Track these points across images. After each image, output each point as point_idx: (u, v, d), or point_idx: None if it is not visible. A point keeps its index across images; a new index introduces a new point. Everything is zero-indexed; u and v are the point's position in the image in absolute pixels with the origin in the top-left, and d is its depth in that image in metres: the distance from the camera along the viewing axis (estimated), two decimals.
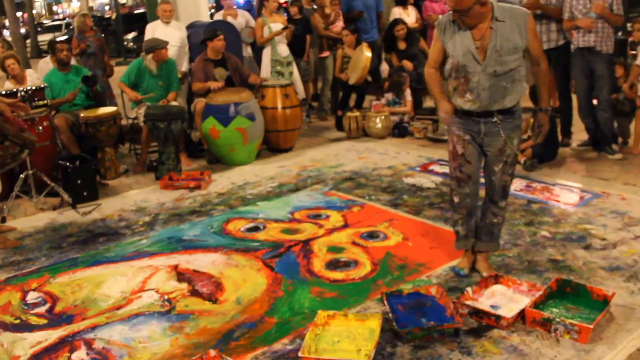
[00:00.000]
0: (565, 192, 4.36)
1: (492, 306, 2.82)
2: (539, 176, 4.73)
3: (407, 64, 6.62)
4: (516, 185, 4.54)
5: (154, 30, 6.34)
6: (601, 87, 4.96)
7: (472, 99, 2.89)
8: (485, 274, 3.10)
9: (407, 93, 6.50)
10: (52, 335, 2.86)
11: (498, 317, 2.68)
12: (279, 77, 6.59)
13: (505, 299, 2.89)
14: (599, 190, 4.34)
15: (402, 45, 6.76)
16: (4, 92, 4.86)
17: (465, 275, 3.18)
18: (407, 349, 2.57)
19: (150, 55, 5.63)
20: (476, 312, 2.75)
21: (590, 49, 4.90)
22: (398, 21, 6.83)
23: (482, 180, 3.13)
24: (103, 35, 7.42)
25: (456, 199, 3.12)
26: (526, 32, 2.82)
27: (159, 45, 5.66)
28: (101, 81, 6.70)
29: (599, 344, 2.54)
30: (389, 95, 6.50)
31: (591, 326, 2.54)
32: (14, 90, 4.98)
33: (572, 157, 5.21)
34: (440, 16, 3.10)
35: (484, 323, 2.71)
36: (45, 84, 5.26)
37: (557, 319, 2.60)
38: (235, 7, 7.18)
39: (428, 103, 7.34)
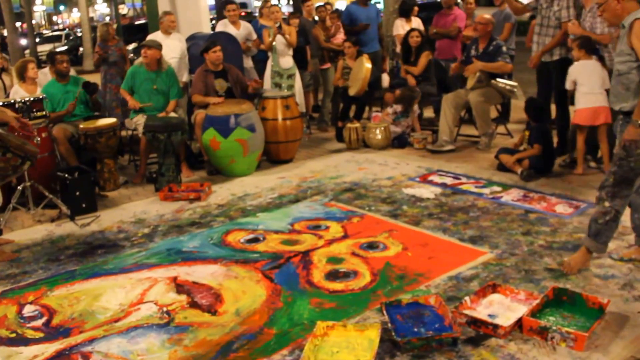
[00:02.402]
0: (561, 202, 4.38)
1: (489, 315, 2.84)
2: (536, 186, 4.75)
3: (411, 80, 6.63)
4: (513, 195, 4.56)
5: None
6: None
7: None
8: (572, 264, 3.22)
9: (415, 107, 6.51)
10: (48, 349, 2.86)
11: (495, 326, 2.69)
12: (276, 89, 6.63)
13: (503, 307, 2.91)
14: (595, 200, 4.34)
15: (413, 57, 6.77)
16: (1, 103, 4.87)
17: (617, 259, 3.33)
18: (405, 359, 2.58)
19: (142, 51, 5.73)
20: (474, 322, 2.76)
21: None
22: (414, 29, 6.88)
23: None
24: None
25: None
26: (626, 36, 2.96)
27: (151, 44, 5.74)
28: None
29: (594, 351, 2.56)
30: (398, 107, 6.47)
31: (586, 334, 2.56)
32: (12, 101, 4.99)
33: (568, 167, 5.22)
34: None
35: (482, 332, 2.72)
36: (44, 95, 5.28)
37: (554, 327, 2.61)
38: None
39: (427, 114, 7.38)
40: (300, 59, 6.97)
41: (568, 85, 4.93)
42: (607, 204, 3.10)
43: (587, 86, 4.78)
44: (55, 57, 5.70)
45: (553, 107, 5.64)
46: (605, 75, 4.76)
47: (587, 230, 3.25)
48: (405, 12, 7.53)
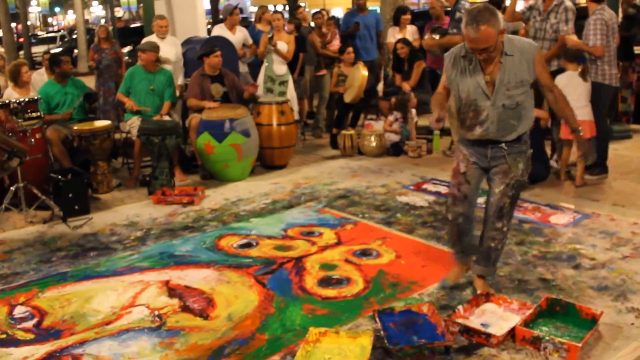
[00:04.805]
0: (555, 212, 4.40)
1: (482, 324, 2.83)
2: (530, 196, 4.76)
3: (405, 86, 6.65)
4: None
5: None
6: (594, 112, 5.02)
7: (481, 131, 2.92)
8: (479, 291, 3.12)
9: (413, 113, 6.52)
10: (39, 351, 2.83)
11: (488, 335, 2.69)
12: (268, 94, 6.64)
13: (496, 317, 2.91)
14: (589, 210, 4.39)
15: (406, 66, 6.78)
16: None
17: (448, 287, 3.21)
18: None
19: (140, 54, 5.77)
20: (467, 330, 2.76)
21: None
22: (401, 40, 6.89)
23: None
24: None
25: (450, 216, 3.17)
26: (534, 66, 2.84)
27: (145, 47, 5.75)
28: (114, 94, 6.74)
29: None
30: (398, 114, 6.49)
31: (579, 345, 2.56)
32: (7, 102, 4.98)
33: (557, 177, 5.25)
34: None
35: (475, 341, 2.72)
36: (39, 96, 5.26)
37: (547, 338, 2.62)
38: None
39: (422, 122, 7.40)
40: (292, 65, 6.98)
41: None
42: (505, 228, 3.08)
43: (572, 99, 4.82)
44: (60, 58, 5.68)
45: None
46: (588, 88, 4.83)
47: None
48: (395, 20, 7.54)
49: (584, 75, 4.90)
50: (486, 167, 3.04)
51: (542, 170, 5.09)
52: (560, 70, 5.29)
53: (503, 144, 2.95)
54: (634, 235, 3.90)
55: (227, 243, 4.08)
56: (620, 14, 7.09)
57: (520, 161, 3.00)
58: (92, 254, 4.00)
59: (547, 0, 5.25)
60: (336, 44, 7.54)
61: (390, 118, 6.52)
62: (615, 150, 5.74)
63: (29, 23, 28.24)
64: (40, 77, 6.30)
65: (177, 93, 6.22)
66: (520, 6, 6.63)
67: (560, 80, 4.91)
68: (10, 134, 4.69)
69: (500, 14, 2.75)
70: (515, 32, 6.83)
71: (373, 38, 7.67)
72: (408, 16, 7.47)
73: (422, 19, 10.34)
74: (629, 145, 6.25)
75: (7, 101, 4.99)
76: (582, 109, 4.82)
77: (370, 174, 5.68)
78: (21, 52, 20.89)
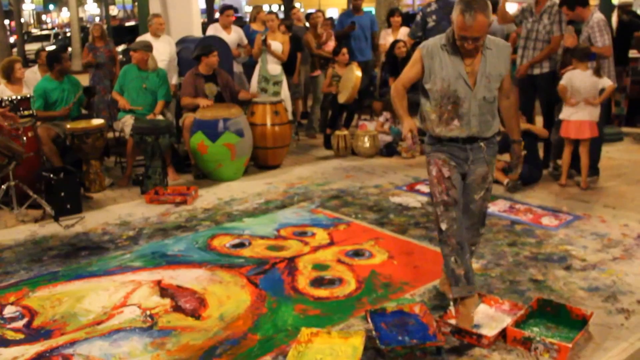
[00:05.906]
0: (547, 213, 4.42)
1: (474, 325, 2.84)
2: (522, 198, 4.79)
3: None
4: (500, 206, 4.59)
5: None
6: None
7: (460, 125, 2.83)
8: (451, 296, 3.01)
9: None
10: (29, 351, 2.82)
11: (479, 336, 2.70)
12: (262, 94, 6.64)
13: (487, 317, 2.92)
14: (580, 212, 4.41)
15: (401, 69, 6.76)
16: None
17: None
18: None
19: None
20: (458, 331, 2.76)
21: None
22: (399, 40, 6.88)
23: None
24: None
25: (444, 226, 2.88)
26: (506, 63, 2.87)
27: (136, 47, 5.77)
28: (109, 92, 6.72)
29: None
30: (387, 114, 6.53)
31: (570, 345, 2.58)
32: None
33: (555, 179, 5.27)
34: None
35: (466, 341, 2.73)
36: (31, 94, 5.23)
37: (537, 338, 2.63)
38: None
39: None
40: (287, 65, 6.97)
41: (562, 87, 4.86)
42: (482, 230, 3.12)
43: (576, 98, 4.84)
44: (61, 55, 5.66)
45: (537, 119, 5.70)
46: (599, 87, 4.81)
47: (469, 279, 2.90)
48: (389, 22, 7.55)
49: (598, 72, 4.83)
50: (464, 172, 2.94)
51: (534, 172, 5.11)
52: (552, 72, 5.30)
53: (482, 142, 2.89)
54: (625, 236, 3.93)
55: (220, 243, 4.08)
56: (615, 21, 7.12)
57: (494, 163, 2.99)
58: (84, 254, 3.98)
59: (540, 1, 5.26)
60: (331, 44, 7.54)
61: (381, 119, 6.55)
62: (607, 152, 5.78)
63: (22, 20, 28.08)
64: (33, 75, 6.26)
65: (171, 92, 6.20)
66: (514, 8, 6.64)
67: (574, 79, 4.81)
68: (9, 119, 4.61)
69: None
70: (507, 36, 6.86)
71: (368, 39, 7.67)
72: (397, 18, 7.45)
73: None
74: (621, 148, 6.30)
75: None
76: (583, 111, 4.81)
77: (364, 174, 5.68)
78: (14, 50, 20.79)
